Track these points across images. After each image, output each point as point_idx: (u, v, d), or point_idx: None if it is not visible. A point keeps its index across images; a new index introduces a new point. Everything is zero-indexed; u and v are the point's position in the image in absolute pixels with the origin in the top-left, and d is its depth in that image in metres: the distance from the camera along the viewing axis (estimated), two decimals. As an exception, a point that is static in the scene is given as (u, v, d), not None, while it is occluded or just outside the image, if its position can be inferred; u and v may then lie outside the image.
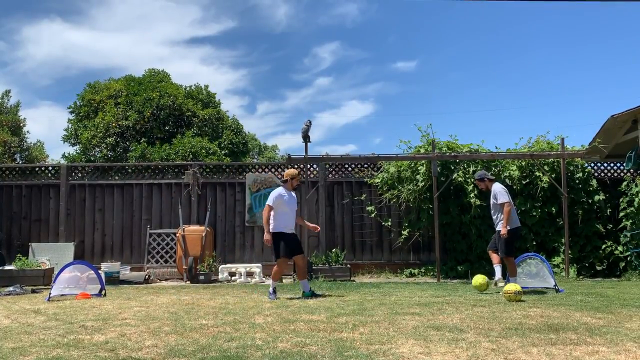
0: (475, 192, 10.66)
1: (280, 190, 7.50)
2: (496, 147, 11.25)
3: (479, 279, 7.82)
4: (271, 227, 7.31)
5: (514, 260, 7.86)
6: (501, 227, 7.74)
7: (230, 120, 25.50)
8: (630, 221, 10.46)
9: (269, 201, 7.35)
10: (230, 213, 11.64)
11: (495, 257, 8.04)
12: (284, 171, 11.82)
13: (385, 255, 11.47)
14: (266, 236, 7.33)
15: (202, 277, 10.08)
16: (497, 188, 7.95)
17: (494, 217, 8.04)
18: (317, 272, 10.04)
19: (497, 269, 8.03)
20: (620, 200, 10.84)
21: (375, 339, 4.42)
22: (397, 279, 10.61)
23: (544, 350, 3.97)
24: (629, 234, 10.41)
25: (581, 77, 60.12)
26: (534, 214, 10.76)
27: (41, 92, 55.11)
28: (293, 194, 7.59)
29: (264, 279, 10.39)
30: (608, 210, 10.94)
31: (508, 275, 7.77)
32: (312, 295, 7.36)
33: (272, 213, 7.32)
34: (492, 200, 8.00)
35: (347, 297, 7.37)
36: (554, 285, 7.77)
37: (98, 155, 22.27)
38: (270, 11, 59.26)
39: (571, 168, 10.91)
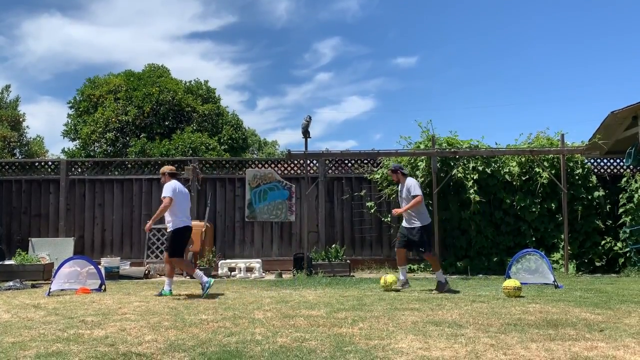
0: (475, 188, 10.67)
1: (175, 183, 7.42)
2: (496, 143, 11.27)
3: (388, 278, 7.59)
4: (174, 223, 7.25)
5: (433, 255, 7.75)
6: (408, 221, 7.51)
7: (230, 115, 25.48)
8: (630, 217, 10.47)
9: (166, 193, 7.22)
10: (230, 208, 11.64)
11: (402, 258, 7.75)
12: (284, 167, 11.91)
13: (384, 251, 11.49)
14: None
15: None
16: (412, 182, 7.65)
17: (404, 213, 7.65)
18: (317, 267, 10.06)
19: (403, 270, 7.76)
20: (620, 196, 10.85)
21: (375, 334, 4.43)
22: (397, 274, 10.61)
23: (543, 346, 3.98)
24: (628, 230, 10.42)
25: (581, 73, 60.07)
26: (534, 209, 10.77)
27: (41, 87, 55.08)
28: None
29: (263, 274, 10.41)
30: (607, 207, 10.95)
31: (433, 270, 7.62)
32: (160, 295, 7.17)
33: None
34: (403, 194, 7.62)
35: (347, 292, 7.38)
36: (553, 281, 7.79)
37: (98, 151, 22.27)
38: (271, 6, 59.14)
39: (571, 164, 10.91)
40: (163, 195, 7.23)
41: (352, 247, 11.46)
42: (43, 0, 53.11)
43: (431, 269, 8.79)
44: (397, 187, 10.93)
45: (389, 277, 7.63)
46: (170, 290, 7.29)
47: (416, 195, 7.42)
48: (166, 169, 7.60)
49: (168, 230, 7.30)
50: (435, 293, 7.25)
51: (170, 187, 7.25)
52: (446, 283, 7.49)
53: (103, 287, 7.80)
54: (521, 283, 7.11)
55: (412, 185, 7.58)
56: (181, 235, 7.31)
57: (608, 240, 10.75)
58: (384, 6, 61.46)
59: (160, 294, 7.20)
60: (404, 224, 7.64)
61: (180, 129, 22.27)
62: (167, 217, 7.25)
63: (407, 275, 7.86)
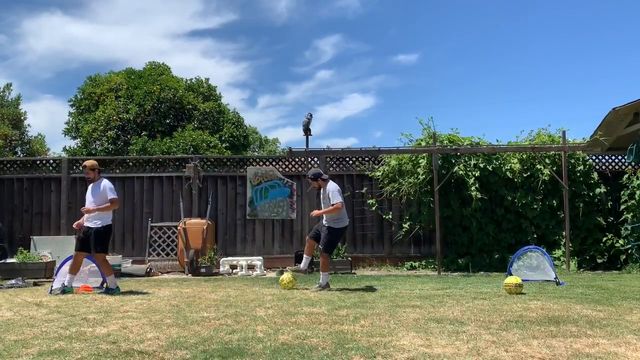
0: (476, 186, 10.66)
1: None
2: (497, 140, 11.27)
3: (287, 277, 7.60)
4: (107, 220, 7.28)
5: (328, 257, 7.71)
6: (324, 220, 7.58)
7: (231, 113, 25.48)
8: (631, 214, 10.46)
9: (113, 193, 7.32)
10: (231, 206, 11.65)
11: (309, 248, 7.82)
12: (285, 164, 11.91)
13: (386, 248, 11.49)
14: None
15: (203, 270, 10.10)
16: (333, 187, 7.65)
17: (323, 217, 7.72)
18: (319, 264, 10.04)
19: (306, 260, 7.80)
20: (621, 193, 10.84)
21: (376, 331, 4.44)
22: (398, 271, 10.64)
23: (544, 343, 3.99)
24: (629, 227, 10.41)
25: (583, 69, 59.95)
26: (535, 206, 10.76)
27: (42, 85, 55.09)
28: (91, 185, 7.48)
29: (265, 271, 10.42)
30: (609, 203, 10.94)
31: (320, 271, 7.61)
32: (108, 291, 7.15)
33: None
34: (324, 197, 7.70)
35: (348, 290, 7.39)
36: (555, 278, 7.79)
37: (99, 149, 22.28)
38: (272, 4, 59.07)
39: (572, 161, 10.90)
40: (112, 196, 7.34)
41: (353, 245, 11.47)
42: (44, -1, 53.08)
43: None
44: (398, 184, 11.03)
45: (286, 275, 7.64)
46: (118, 287, 7.28)
47: (336, 203, 7.46)
48: (95, 164, 7.52)
49: (97, 227, 7.22)
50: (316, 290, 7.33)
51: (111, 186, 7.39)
52: (327, 285, 7.52)
53: (105, 285, 7.80)
54: (522, 280, 7.12)
55: (331, 190, 7.57)
56: (111, 232, 7.47)
57: (609, 237, 10.75)
58: (385, 3, 61.38)
59: (108, 292, 7.16)
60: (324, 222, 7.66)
61: (181, 126, 22.28)
62: (99, 215, 7.26)
63: (305, 266, 7.84)
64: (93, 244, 7.23)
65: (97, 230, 7.25)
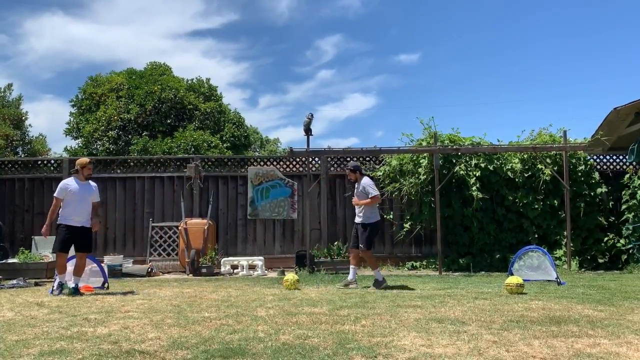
0: (477, 185, 10.66)
1: (66, 180, 7.39)
2: (498, 140, 11.25)
3: (292, 277, 7.61)
4: (59, 218, 7.24)
5: (371, 253, 7.75)
6: (358, 218, 7.69)
7: (232, 113, 25.50)
8: (633, 214, 10.45)
9: (56, 193, 7.25)
10: (232, 206, 11.65)
11: (355, 257, 7.82)
12: (286, 164, 11.92)
13: (387, 248, 11.48)
14: (44, 228, 7.30)
15: (204, 270, 10.10)
16: (369, 181, 7.86)
17: (357, 211, 7.86)
18: (319, 265, 10.07)
19: (353, 270, 7.80)
20: (623, 193, 10.82)
21: (377, 331, 4.44)
22: (399, 271, 10.63)
23: (546, 343, 3.98)
24: (631, 227, 10.40)
25: (584, 69, 59.91)
26: (536, 206, 10.75)
27: (43, 85, 55.14)
28: (90, 183, 7.45)
29: (266, 271, 10.42)
30: (610, 203, 10.93)
31: (371, 269, 7.69)
32: (76, 292, 7.05)
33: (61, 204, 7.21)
34: (359, 192, 7.79)
35: (349, 290, 7.39)
36: (556, 278, 7.79)
37: (100, 149, 22.32)
38: (273, 4, 59.09)
39: (573, 161, 10.89)
40: (99, 198, 7.47)
41: (354, 245, 11.45)
42: (45, -1, 53.14)
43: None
44: (399, 184, 11.02)
45: (290, 276, 7.65)
46: (77, 286, 7.17)
47: (376, 196, 7.66)
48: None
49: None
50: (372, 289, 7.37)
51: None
52: (383, 281, 7.61)
53: (106, 285, 7.82)
54: (524, 280, 7.11)
55: (368, 184, 7.76)
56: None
57: (611, 237, 10.74)
58: (386, 3, 61.37)
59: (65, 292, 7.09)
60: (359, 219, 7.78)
61: (182, 127, 22.30)
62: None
63: (353, 277, 7.82)
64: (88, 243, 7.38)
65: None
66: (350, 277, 7.79)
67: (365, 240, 7.60)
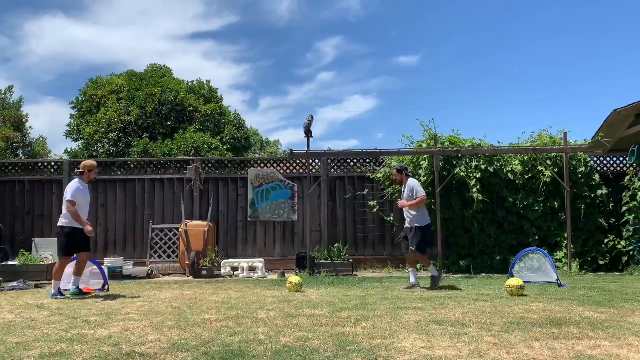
0: (478, 187, 10.65)
1: (76, 183, 7.27)
2: (499, 142, 11.24)
3: (294, 279, 7.62)
4: (65, 221, 7.12)
5: (423, 255, 7.76)
6: (408, 222, 7.74)
7: (232, 115, 25.53)
8: (633, 215, 10.44)
9: (69, 196, 7.07)
10: (233, 208, 11.65)
11: (411, 260, 7.86)
12: (287, 166, 11.92)
13: (387, 250, 11.48)
14: (88, 228, 7.07)
15: (204, 272, 10.10)
16: (415, 183, 7.96)
17: (405, 214, 7.92)
18: (320, 267, 10.06)
19: (413, 274, 7.82)
20: (623, 194, 10.82)
21: (378, 333, 4.43)
22: (399, 273, 10.62)
23: (546, 345, 3.98)
24: (631, 229, 10.39)
25: (584, 70, 59.93)
26: (537, 208, 10.74)
27: (44, 87, 55.22)
28: (87, 187, 7.40)
29: (266, 274, 10.41)
30: (611, 205, 10.92)
31: (425, 269, 7.85)
32: (80, 293, 7.07)
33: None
34: (406, 195, 7.84)
35: (350, 292, 7.38)
36: (557, 280, 7.78)
37: (100, 151, 22.33)
38: (273, 6, 59.16)
39: (574, 162, 10.89)
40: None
41: (354, 247, 11.46)
42: (46, 1, 53.26)
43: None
44: (399, 185, 11.01)
45: (294, 278, 7.66)
46: (78, 288, 7.17)
47: (423, 196, 7.73)
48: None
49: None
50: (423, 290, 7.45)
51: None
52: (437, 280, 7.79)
53: (106, 287, 7.81)
54: (524, 282, 7.12)
55: (415, 185, 7.88)
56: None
57: (611, 238, 10.72)
58: (386, 5, 61.44)
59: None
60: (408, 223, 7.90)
61: (183, 128, 22.32)
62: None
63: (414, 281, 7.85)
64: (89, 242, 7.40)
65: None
66: (412, 280, 7.80)
67: (417, 244, 7.65)
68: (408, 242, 7.83)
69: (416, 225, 7.72)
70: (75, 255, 7.31)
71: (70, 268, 7.69)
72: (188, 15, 57.12)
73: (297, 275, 9.22)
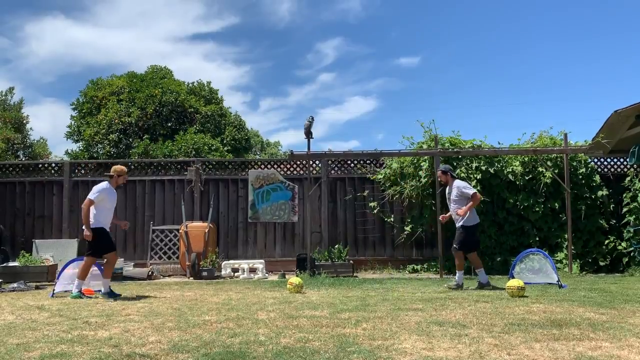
0: (478, 188, 10.64)
1: (105, 184, 7.28)
2: (499, 143, 11.23)
3: (294, 280, 7.63)
4: (92, 222, 7.12)
5: (463, 255, 7.82)
6: (461, 216, 7.76)
7: (232, 116, 25.54)
8: (634, 216, 10.44)
9: (92, 195, 7.09)
10: (233, 209, 11.65)
11: (460, 261, 7.89)
12: (287, 167, 11.92)
13: (387, 251, 11.48)
14: (86, 232, 7.03)
15: (205, 273, 10.10)
16: (462, 183, 8.02)
17: (454, 216, 7.96)
18: (320, 268, 10.06)
19: (460, 274, 7.86)
20: (624, 195, 10.82)
21: (378, 334, 4.43)
22: (399, 274, 10.62)
23: (547, 346, 3.98)
24: (632, 230, 10.39)
25: (584, 71, 59.93)
26: (537, 209, 10.74)
27: (44, 88, 55.25)
28: (115, 191, 7.41)
29: (267, 275, 10.41)
30: (611, 206, 10.91)
31: (456, 269, 7.85)
32: (112, 295, 7.07)
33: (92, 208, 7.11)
34: (453, 196, 7.89)
35: (350, 293, 7.38)
36: (557, 281, 7.77)
37: (101, 152, 22.34)
38: (273, 7, 59.19)
39: (574, 163, 10.88)
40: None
41: (355, 248, 11.46)
42: (46, 2, 53.30)
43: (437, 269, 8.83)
44: (399, 187, 11.03)
45: (295, 279, 7.65)
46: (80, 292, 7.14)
47: (474, 194, 7.76)
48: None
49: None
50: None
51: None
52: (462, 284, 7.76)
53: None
54: (525, 283, 7.11)
55: (463, 185, 7.93)
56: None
57: (612, 239, 10.72)
58: (386, 6, 61.46)
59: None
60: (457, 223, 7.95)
61: (183, 130, 22.33)
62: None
63: (460, 281, 7.86)
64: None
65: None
66: (457, 280, 7.85)
67: (460, 242, 7.73)
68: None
69: (462, 224, 7.78)
70: (101, 256, 7.29)
71: (70, 270, 7.70)
72: (188, 17, 57.19)
73: (297, 276, 9.22)
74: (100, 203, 7.15)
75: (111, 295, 7.07)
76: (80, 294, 7.12)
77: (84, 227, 7.18)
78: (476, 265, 7.87)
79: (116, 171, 7.41)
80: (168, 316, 5.48)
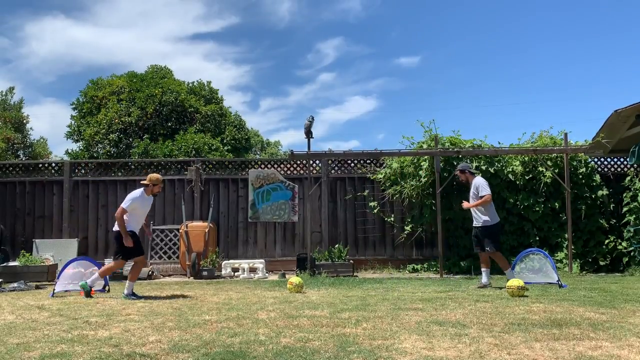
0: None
1: (138, 192, 7.33)
2: (499, 143, 11.24)
3: (295, 280, 7.66)
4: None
5: (499, 253, 7.85)
6: (477, 221, 7.78)
7: (232, 116, 25.54)
8: (634, 216, 10.44)
9: (125, 204, 7.15)
10: (233, 209, 11.65)
11: (485, 259, 7.91)
12: (287, 167, 11.92)
13: (388, 250, 11.48)
14: (127, 241, 7.05)
15: (205, 273, 10.10)
16: (480, 181, 8.01)
17: (473, 213, 8.00)
18: (320, 267, 10.06)
19: (486, 273, 7.88)
20: (624, 195, 10.82)
21: (378, 334, 4.43)
22: (400, 274, 10.62)
23: (547, 346, 3.98)
24: (632, 229, 10.39)
25: (585, 71, 59.92)
26: (537, 209, 10.74)
27: (44, 88, 55.26)
28: (150, 197, 7.45)
29: (267, 274, 10.41)
30: (611, 206, 10.91)
31: (503, 270, 7.84)
32: (133, 296, 7.11)
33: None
34: (472, 193, 7.96)
35: (350, 292, 7.38)
36: (557, 281, 7.77)
37: (101, 152, 22.35)
38: (274, 7, 59.18)
39: (574, 163, 10.88)
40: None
41: (355, 247, 11.46)
42: (46, 2, 53.30)
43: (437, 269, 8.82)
44: (400, 186, 11.02)
45: (295, 279, 7.67)
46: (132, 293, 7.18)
47: (484, 195, 7.76)
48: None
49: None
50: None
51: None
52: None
53: (107, 288, 7.81)
54: (525, 282, 7.11)
55: (480, 184, 7.92)
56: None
57: (612, 239, 10.72)
58: (387, 6, 61.46)
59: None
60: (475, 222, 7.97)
61: (183, 129, 22.33)
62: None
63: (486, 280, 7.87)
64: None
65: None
66: (484, 280, 7.85)
67: (491, 243, 7.73)
68: (477, 240, 7.90)
69: (486, 225, 7.78)
70: (130, 259, 7.35)
71: (70, 270, 7.70)
72: (189, 17, 57.19)
73: (297, 276, 9.22)
74: (133, 211, 7.25)
75: (135, 297, 7.11)
76: (89, 291, 7.18)
77: (113, 229, 7.32)
78: (485, 265, 7.86)
79: (151, 180, 7.44)
80: (168, 316, 5.48)
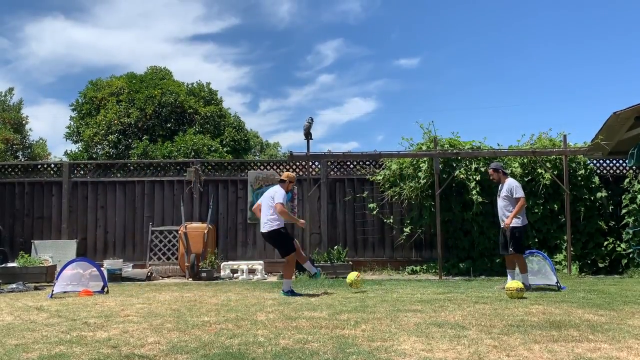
0: (477, 189, 10.65)
1: (282, 189, 7.82)
2: (498, 144, 11.24)
3: (352, 275, 7.94)
4: (277, 222, 7.62)
5: (522, 256, 7.80)
6: (507, 220, 7.70)
7: (232, 117, 25.50)
8: (633, 218, 10.44)
9: (281, 200, 7.61)
10: (232, 210, 11.64)
11: (510, 262, 7.85)
12: (285, 168, 11.90)
13: (387, 252, 11.48)
14: (301, 221, 8.15)
15: (204, 274, 10.09)
16: (514, 183, 7.89)
17: (500, 214, 7.89)
18: (319, 269, 10.04)
19: (511, 273, 7.81)
20: (623, 197, 10.82)
21: (377, 335, 4.43)
22: (399, 276, 10.62)
23: (546, 347, 3.98)
24: (631, 231, 10.39)
25: (583, 73, 59.96)
26: (536, 211, 10.74)
27: (44, 89, 55.17)
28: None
29: (266, 276, 10.40)
30: (610, 207, 10.92)
31: (520, 273, 7.72)
32: (294, 294, 7.31)
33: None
34: (503, 194, 7.81)
35: (349, 294, 7.38)
36: (556, 282, 7.77)
37: (100, 153, 22.32)
38: (273, 8, 59.19)
39: (573, 165, 10.89)
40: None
41: (354, 249, 11.46)
42: (46, 3, 53.28)
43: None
44: (399, 188, 11.03)
45: (352, 275, 7.92)
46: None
47: (519, 198, 7.67)
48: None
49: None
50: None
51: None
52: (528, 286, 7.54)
53: (106, 289, 7.81)
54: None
55: (514, 186, 7.81)
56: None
57: (611, 241, 10.73)
58: (386, 8, 61.48)
59: None
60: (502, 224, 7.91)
61: (183, 130, 22.31)
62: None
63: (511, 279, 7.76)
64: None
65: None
66: (509, 281, 7.68)
67: (515, 245, 7.64)
68: (505, 242, 7.80)
69: (514, 226, 7.66)
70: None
71: (69, 271, 7.69)
72: (188, 18, 57.15)
73: (296, 277, 9.21)
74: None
75: (293, 294, 7.28)
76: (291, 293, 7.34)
77: (265, 230, 7.82)
78: (522, 269, 7.67)
79: (289, 177, 8.00)
80: (167, 317, 5.47)
